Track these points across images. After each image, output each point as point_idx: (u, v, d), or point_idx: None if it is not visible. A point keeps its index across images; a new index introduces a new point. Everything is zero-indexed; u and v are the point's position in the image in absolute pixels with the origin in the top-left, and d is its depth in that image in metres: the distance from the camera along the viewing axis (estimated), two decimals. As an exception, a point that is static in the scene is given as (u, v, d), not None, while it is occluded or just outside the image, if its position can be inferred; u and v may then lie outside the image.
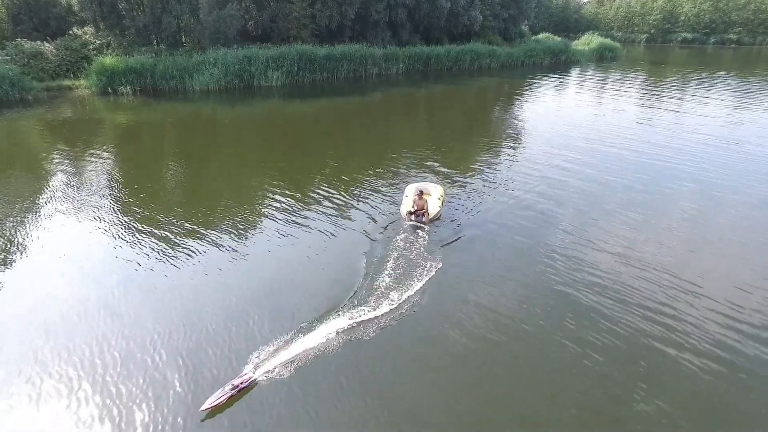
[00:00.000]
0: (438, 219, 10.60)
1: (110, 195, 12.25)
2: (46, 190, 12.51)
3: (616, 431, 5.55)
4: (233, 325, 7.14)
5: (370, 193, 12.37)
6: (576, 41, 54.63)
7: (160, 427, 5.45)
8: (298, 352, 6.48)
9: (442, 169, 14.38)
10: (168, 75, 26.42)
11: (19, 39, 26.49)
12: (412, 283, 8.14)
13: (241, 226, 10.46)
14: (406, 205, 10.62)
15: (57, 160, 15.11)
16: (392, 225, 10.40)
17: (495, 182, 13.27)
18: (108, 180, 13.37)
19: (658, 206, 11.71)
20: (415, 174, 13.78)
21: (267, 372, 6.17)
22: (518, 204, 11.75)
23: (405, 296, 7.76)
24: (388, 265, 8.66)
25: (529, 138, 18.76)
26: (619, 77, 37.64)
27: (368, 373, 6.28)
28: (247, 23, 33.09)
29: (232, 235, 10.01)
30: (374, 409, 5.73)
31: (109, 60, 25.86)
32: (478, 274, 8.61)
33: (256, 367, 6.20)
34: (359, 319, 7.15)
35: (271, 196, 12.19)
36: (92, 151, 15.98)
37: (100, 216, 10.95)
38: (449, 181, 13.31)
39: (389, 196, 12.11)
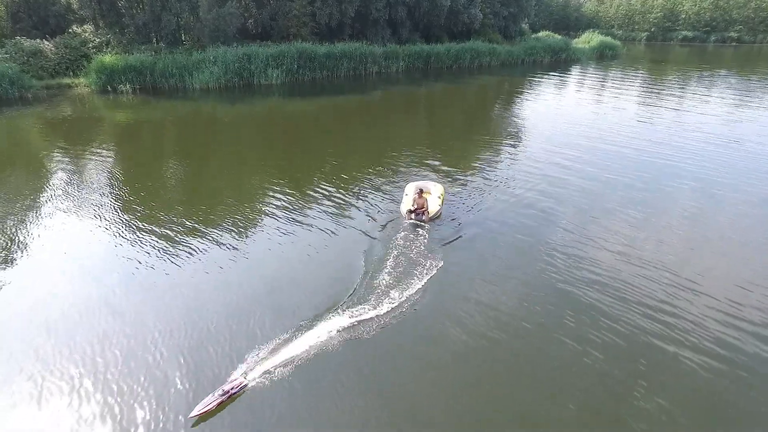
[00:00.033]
0: (438, 218, 10.60)
1: (111, 193, 12.25)
2: (47, 189, 12.50)
3: (616, 429, 5.56)
4: (234, 323, 7.15)
5: (370, 191, 12.37)
6: (576, 39, 54.52)
7: (161, 425, 5.46)
8: (296, 353, 6.43)
9: (443, 167, 14.37)
10: (168, 73, 26.36)
11: (18, 37, 26.43)
12: (412, 281, 8.15)
13: (241, 225, 10.46)
14: (406, 203, 10.62)
15: (57, 159, 15.10)
16: (392, 223, 10.40)
17: (495, 180, 13.27)
18: (108, 178, 13.36)
19: (658, 204, 11.72)
20: (415, 172, 13.78)
21: (259, 376, 6.04)
22: (519, 202, 11.75)
23: (405, 295, 7.76)
24: (389, 264, 8.67)
25: (529, 136, 18.75)
26: (619, 75, 37.60)
27: (369, 372, 6.28)
28: (247, 21, 33.01)
29: (233, 234, 10.01)
30: (375, 408, 5.74)
31: (108, 58, 25.80)
32: (478, 273, 8.62)
33: (247, 372, 6.09)
34: (359, 318, 7.15)
35: (271, 194, 12.19)
36: (92, 150, 15.97)
37: (101, 214, 10.95)
38: (450, 179, 13.31)
39: (389, 194, 12.11)
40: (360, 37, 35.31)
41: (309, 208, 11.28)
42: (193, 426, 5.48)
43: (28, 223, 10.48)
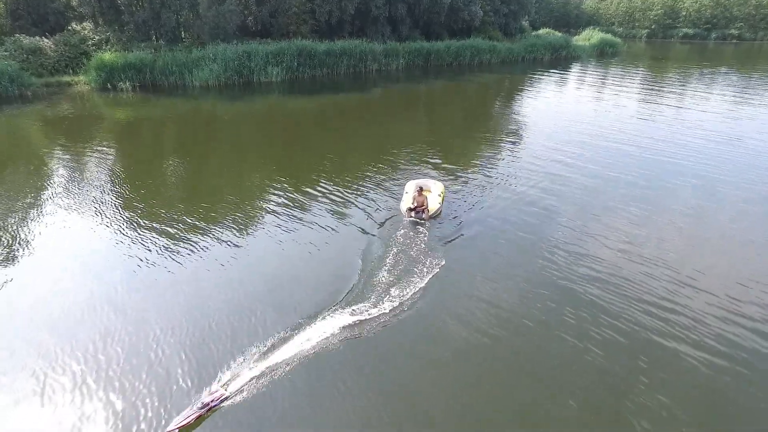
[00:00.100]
0: (438, 215, 10.60)
1: (112, 191, 12.25)
2: (48, 187, 12.50)
3: (616, 425, 5.58)
4: (235, 320, 7.16)
5: (370, 189, 12.37)
6: (577, 37, 54.41)
7: (163, 422, 5.47)
8: (296, 353, 6.39)
9: (443, 165, 14.37)
10: (167, 71, 26.32)
11: (17, 34, 26.37)
12: (412, 279, 8.15)
13: (242, 222, 10.47)
14: (406, 201, 10.62)
15: (57, 157, 15.09)
16: (393, 221, 10.41)
17: (496, 178, 13.26)
18: (109, 176, 13.36)
19: (659, 202, 11.72)
20: (415, 170, 13.78)
21: (239, 387, 5.84)
22: (519, 200, 11.75)
23: (405, 293, 7.76)
24: (389, 262, 8.68)
25: (530, 134, 18.74)
26: (620, 73, 37.52)
27: (370, 371, 6.29)
28: (247, 19, 32.93)
29: (234, 231, 10.02)
30: (376, 407, 5.74)
31: (108, 56, 25.77)
32: (479, 270, 8.62)
33: (228, 383, 5.90)
34: (360, 316, 7.16)
35: (271, 191, 12.19)
36: (92, 147, 15.96)
37: (102, 212, 10.96)
38: (450, 177, 13.30)
39: (390, 191, 12.11)
40: (360, 35, 35.22)
41: (309, 206, 11.28)
42: (204, 416, 5.49)
43: (30, 221, 10.48)
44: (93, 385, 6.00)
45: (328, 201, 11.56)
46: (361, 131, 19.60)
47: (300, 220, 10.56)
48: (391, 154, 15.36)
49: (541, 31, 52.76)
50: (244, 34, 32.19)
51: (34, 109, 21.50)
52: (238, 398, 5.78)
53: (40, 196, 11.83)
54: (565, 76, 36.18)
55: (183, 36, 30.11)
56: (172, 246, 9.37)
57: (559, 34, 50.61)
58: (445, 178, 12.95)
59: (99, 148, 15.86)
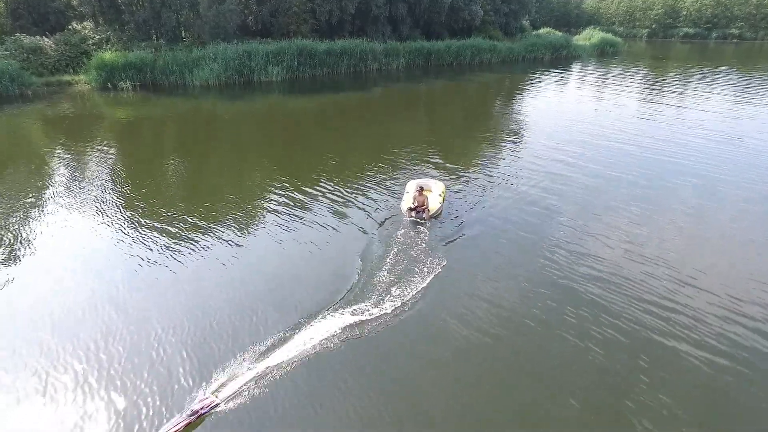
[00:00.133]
0: (439, 215, 10.60)
1: (113, 190, 12.26)
2: (49, 186, 12.51)
3: (617, 425, 5.58)
4: (236, 319, 7.17)
5: (371, 188, 12.37)
6: (577, 36, 54.30)
7: (164, 421, 5.47)
8: (297, 353, 6.39)
9: (444, 164, 14.37)
10: (168, 70, 26.31)
11: (18, 34, 26.36)
12: (413, 279, 8.15)
13: (243, 221, 10.48)
14: (407, 201, 10.62)
15: (58, 156, 15.10)
16: (393, 221, 10.41)
17: (497, 177, 13.27)
18: (110, 175, 13.37)
19: (660, 201, 11.72)
20: (416, 169, 13.78)
21: (234, 392, 5.74)
22: (520, 199, 11.75)
23: (406, 292, 7.77)
24: (389, 262, 8.68)
25: (530, 133, 18.73)
26: (620, 72, 37.50)
27: (371, 371, 6.29)
28: (247, 18, 32.93)
29: (234, 230, 10.03)
30: (378, 406, 5.74)
31: (108, 55, 25.76)
32: (480, 270, 8.63)
33: (218, 390, 5.79)
34: (361, 316, 7.16)
35: (272, 191, 12.20)
36: (93, 147, 15.96)
37: (104, 211, 10.96)
38: (451, 176, 13.30)
39: (391, 191, 12.11)
40: (360, 34, 35.20)
41: (310, 205, 11.29)
42: (194, 424, 5.49)
43: (31, 220, 10.49)
44: (94, 384, 6.01)
45: (328, 200, 11.56)
46: (361, 131, 19.59)
47: (301, 219, 10.57)
48: (392, 154, 15.36)
49: (542, 31, 52.69)
50: (245, 33, 32.18)
51: (34, 108, 21.51)
52: (239, 398, 5.77)
53: (41, 196, 11.84)
54: (565, 75, 36.16)
55: (183, 35, 30.11)
56: (173, 245, 9.38)
57: (560, 34, 50.55)
58: (446, 178, 12.95)
59: (100, 148, 15.87)
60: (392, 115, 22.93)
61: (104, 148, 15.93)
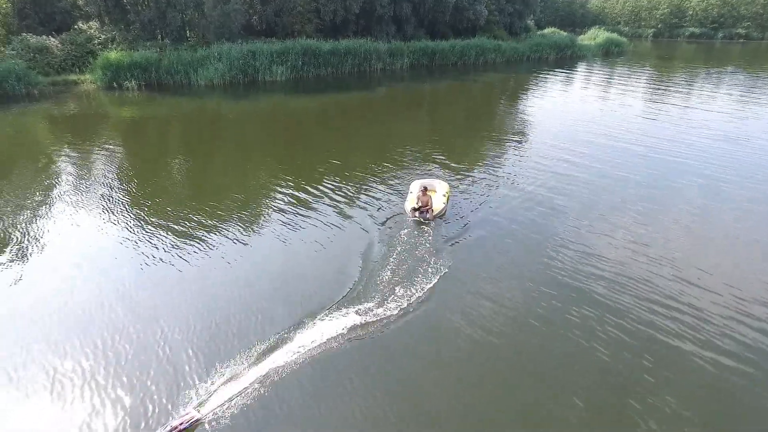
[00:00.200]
0: (443, 215, 10.61)
1: (119, 189, 12.35)
2: (56, 185, 12.62)
3: (620, 425, 5.58)
4: (242, 317, 7.22)
5: (375, 187, 12.40)
6: (582, 36, 54.08)
7: (170, 419, 5.52)
8: (297, 353, 6.41)
9: (448, 164, 14.37)
10: (173, 70, 26.43)
11: (24, 34, 26.54)
12: (417, 279, 8.17)
13: (248, 220, 10.53)
14: (411, 201, 10.63)
15: (65, 155, 15.22)
16: (397, 221, 10.43)
17: (501, 177, 13.26)
18: (116, 174, 13.47)
19: (665, 201, 11.68)
20: (420, 169, 13.79)
21: (214, 408, 5.58)
22: (525, 199, 11.74)
23: (410, 292, 7.78)
24: (394, 261, 8.70)
25: (535, 133, 18.70)
26: (626, 72, 37.34)
27: (375, 371, 6.30)
28: (252, 18, 33.02)
29: (239, 229, 10.08)
30: (382, 406, 5.75)
31: (114, 55, 25.91)
32: (484, 270, 8.63)
33: (201, 404, 5.63)
34: (366, 316, 7.18)
35: (277, 190, 12.25)
36: (99, 146, 16.08)
37: (110, 209, 11.05)
38: (456, 176, 13.31)
39: (395, 191, 12.13)
40: (364, 34, 35.21)
41: (314, 205, 11.33)
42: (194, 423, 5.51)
43: (38, 219, 10.59)
44: (101, 381, 6.07)
45: (333, 200, 11.60)
46: (365, 130, 19.62)
47: (305, 218, 10.61)
48: (397, 153, 15.38)
49: (546, 31, 52.49)
50: (249, 33, 32.27)
51: (41, 107, 21.68)
52: (242, 398, 5.79)
53: (48, 194, 11.94)
54: (570, 75, 36.04)
55: (188, 35, 30.22)
56: (179, 244, 9.44)
57: (565, 34, 50.34)
58: (451, 178, 12.96)
59: (105, 147, 15.98)
60: (396, 114, 22.95)
61: (110, 147, 16.04)
